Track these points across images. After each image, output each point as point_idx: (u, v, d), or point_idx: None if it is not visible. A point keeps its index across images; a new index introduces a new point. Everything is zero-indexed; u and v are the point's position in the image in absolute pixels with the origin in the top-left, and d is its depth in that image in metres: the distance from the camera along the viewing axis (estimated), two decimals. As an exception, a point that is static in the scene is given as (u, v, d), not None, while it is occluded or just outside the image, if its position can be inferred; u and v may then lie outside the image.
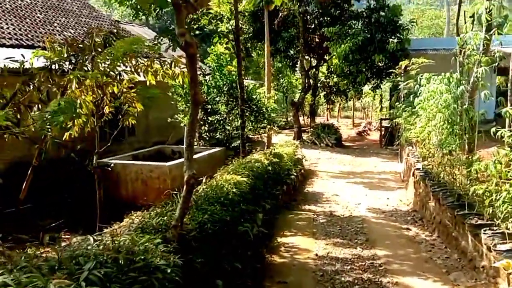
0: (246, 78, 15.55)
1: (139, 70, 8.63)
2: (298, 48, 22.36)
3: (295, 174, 13.87)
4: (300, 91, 24.63)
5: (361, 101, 34.22)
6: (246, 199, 8.37)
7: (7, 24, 12.46)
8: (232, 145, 14.62)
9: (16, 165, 10.79)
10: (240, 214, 7.58)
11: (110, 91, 8.55)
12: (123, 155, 12.07)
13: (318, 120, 29.80)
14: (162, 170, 10.53)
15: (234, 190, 7.75)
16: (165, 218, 5.06)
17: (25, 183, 8.33)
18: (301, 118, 26.65)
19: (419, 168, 11.34)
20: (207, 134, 13.64)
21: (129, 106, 9.02)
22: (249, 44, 23.02)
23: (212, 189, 7.34)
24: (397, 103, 16.25)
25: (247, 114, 13.24)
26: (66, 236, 9.63)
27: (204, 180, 8.32)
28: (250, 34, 22.32)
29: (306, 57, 24.07)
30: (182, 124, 13.38)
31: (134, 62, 8.49)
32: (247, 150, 13.27)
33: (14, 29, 12.49)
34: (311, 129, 24.80)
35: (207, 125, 13.16)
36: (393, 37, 19.45)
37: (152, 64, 8.35)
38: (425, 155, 11.40)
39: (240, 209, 7.53)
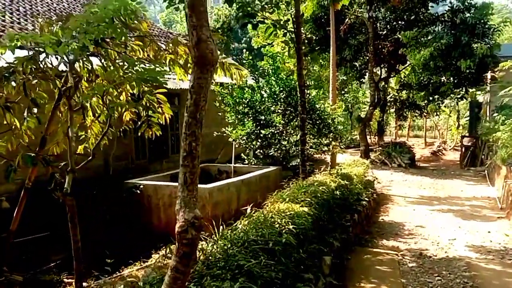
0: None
1: (162, 60, 6.38)
2: (367, 57, 19.58)
3: (366, 199, 11.12)
4: (367, 106, 21.68)
5: (436, 118, 30.44)
6: (308, 237, 5.82)
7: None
8: (290, 164, 12.11)
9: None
10: (299, 263, 5.03)
11: (130, 92, 6.36)
12: (158, 175, 9.90)
13: (385, 139, 26.57)
14: (200, 193, 8.11)
15: (291, 226, 5.22)
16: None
17: (16, 210, 6.23)
18: (367, 137, 23.65)
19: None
20: (261, 151, 11.18)
21: (154, 111, 6.79)
22: (309, 56, 20.53)
23: (256, 227, 4.84)
24: (495, 115, 13.04)
25: (308, 126, 10.70)
26: (68, 280, 7.49)
27: (248, 211, 5.85)
28: (313, 43, 19.83)
29: (375, 69, 21.22)
30: (230, 139, 11.05)
31: (155, 48, 6.29)
32: (308, 170, 10.73)
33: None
34: (380, 148, 21.75)
35: (259, 140, 10.72)
36: (481, 41, 16.22)
37: (177, 48, 6.05)
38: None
39: (299, 257, 4.97)
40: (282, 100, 10.53)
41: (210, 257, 3.75)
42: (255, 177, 9.61)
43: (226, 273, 3.36)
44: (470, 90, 19.68)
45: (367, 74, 20.81)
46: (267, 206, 6.42)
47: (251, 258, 3.82)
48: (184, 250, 2.50)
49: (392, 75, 21.79)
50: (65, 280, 6.78)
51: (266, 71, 10.93)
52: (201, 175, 10.88)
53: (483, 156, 19.28)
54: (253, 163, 11.15)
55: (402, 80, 22.14)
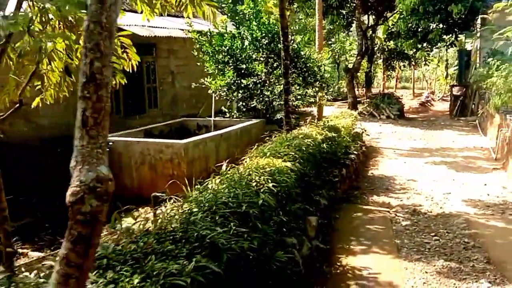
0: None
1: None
2: (354, 4, 18.43)
3: (355, 152, 10.44)
4: (354, 57, 20.64)
5: (424, 69, 29.61)
6: (291, 196, 5.11)
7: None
8: (275, 117, 11.31)
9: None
10: (280, 226, 4.32)
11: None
12: (131, 131, 9.00)
13: (373, 91, 25.68)
14: (174, 150, 7.35)
15: (271, 185, 4.45)
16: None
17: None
18: (355, 88, 22.74)
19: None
20: (243, 103, 10.28)
21: (117, 57, 5.90)
22: (296, 3, 19.32)
23: (229, 186, 4.05)
24: (489, 60, 12.22)
25: (293, 75, 9.81)
26: (23, 250, 6.77)
27: (224, 167, 5.08)
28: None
29: (363, 16, 20.07)
30: (210, 91, 10.12)
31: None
32: (294, 123, 9.98)
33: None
34: (368, 100, 20.95)
35: (240, 91, 9.79)
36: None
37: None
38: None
39: (280, 219, 4.25)
40: (264, 47, 9.52)
41: (166, 227, 2.98)
42: (235, 131, 8.79)
43: (182, 248, 2.58)
44: (460, 36, 18.76)
45: (354, 22, 19.72)
46: (245, 161, 5.65)
47: (218, 226, 3.05)
48: (79, 231, 1.61)
49: (380, 23, 20.71)
50: (19, 250, 6.03)
51: (247, 15, 9.86)
52: (179, 131, 10.02)
53: (473, 106, 18.62)
54: (235, 116, 10.29)
55: (390, 29, 21.13)
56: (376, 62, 24.52)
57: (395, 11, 19.38)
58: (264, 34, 9.51)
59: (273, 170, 4.96)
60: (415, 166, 10.75)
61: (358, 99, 21.67)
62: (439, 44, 19.54)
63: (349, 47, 24.16)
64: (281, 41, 7.75)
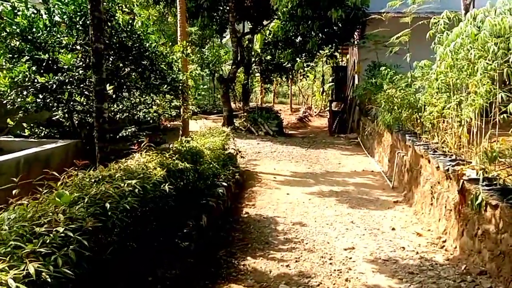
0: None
1: None
2: (228, 6, 15.47)
3: (225, 184, 7.32)
4: (230, 65, 17.61)
5: (301, 84, 27.86)
6: None
7: None
8: (120, 134, 7.74)
9: None
10: None
11: None
12: None
13: (251, 105, 22.98)
14: None
15: None
16: None
17: None
18: (232, 103, 19.79)
19: (477, 179, 5.00)
20: (65, 115, 6.39)
21: None
22: (161, 3, 15.87)
23: None
24: (383, 68, 9.89)
25: (133, 74, 6.29)
26: None
27: None
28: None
29: (238, 24, 17.21)
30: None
31: None
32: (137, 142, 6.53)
33: None
34: (245, 114, 18.14)
35: (40, 95, 5.89)
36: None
37: None
38: (493, 154, 5.06)
39: None
40: (80, 29, 5.86)
41: None
42: (13, 161, 4.95)
43: None
44: (340, 47, 16.86)
45: (228, 28, 16.76)
46: None
47: None
48: None
49: (257, 31, 18.04)
50: None
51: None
52: None
53: (352, 122, 16.75)
54: (42, 133, 6.37)
55: (266, 39, 18.66)
56: (253, 74, 21.92)
57: (272, 19, 16.90)
58: (81, 12, 5.84)
59: None
60: (301, 200, 7.88)
61: (235, 113, 18.79)
62: (318, 56, 17.40)
63: (225, 56, 21.21)
64: (88, 12, 4.21)
